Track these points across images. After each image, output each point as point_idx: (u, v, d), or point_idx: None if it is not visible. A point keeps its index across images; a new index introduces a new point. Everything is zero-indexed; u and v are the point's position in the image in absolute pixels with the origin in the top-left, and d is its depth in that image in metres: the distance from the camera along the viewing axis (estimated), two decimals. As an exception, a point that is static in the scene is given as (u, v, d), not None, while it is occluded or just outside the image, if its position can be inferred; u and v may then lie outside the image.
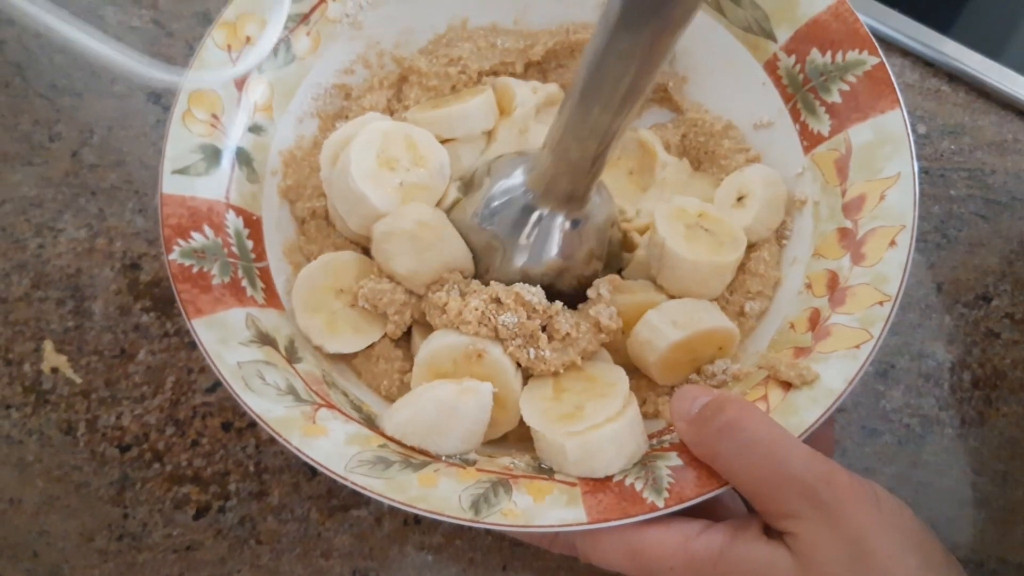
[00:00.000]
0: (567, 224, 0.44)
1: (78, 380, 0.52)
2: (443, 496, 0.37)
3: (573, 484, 0.38)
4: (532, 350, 0.42)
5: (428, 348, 0.42)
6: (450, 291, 0.43)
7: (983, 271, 0.56)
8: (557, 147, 0.40)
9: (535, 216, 0.44)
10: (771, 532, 0.35)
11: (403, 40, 0.53)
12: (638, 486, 0.37)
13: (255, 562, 0.49)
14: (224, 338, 0.40)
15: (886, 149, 0.43)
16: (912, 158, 0.42)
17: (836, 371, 0.38)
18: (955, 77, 0.60)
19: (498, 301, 0.43)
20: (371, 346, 0.46)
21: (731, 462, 0.35)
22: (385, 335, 0.46)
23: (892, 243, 0.41)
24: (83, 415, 0.52)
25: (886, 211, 0.42)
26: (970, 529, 0.51)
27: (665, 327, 0.42)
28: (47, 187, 0.57)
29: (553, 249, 0.44)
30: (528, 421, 0.40)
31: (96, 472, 0.51)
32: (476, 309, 0.42)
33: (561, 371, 0.42)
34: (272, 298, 0.45)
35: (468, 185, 0.47)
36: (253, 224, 0.46)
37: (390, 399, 0.45)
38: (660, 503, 0.36)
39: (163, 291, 0.54)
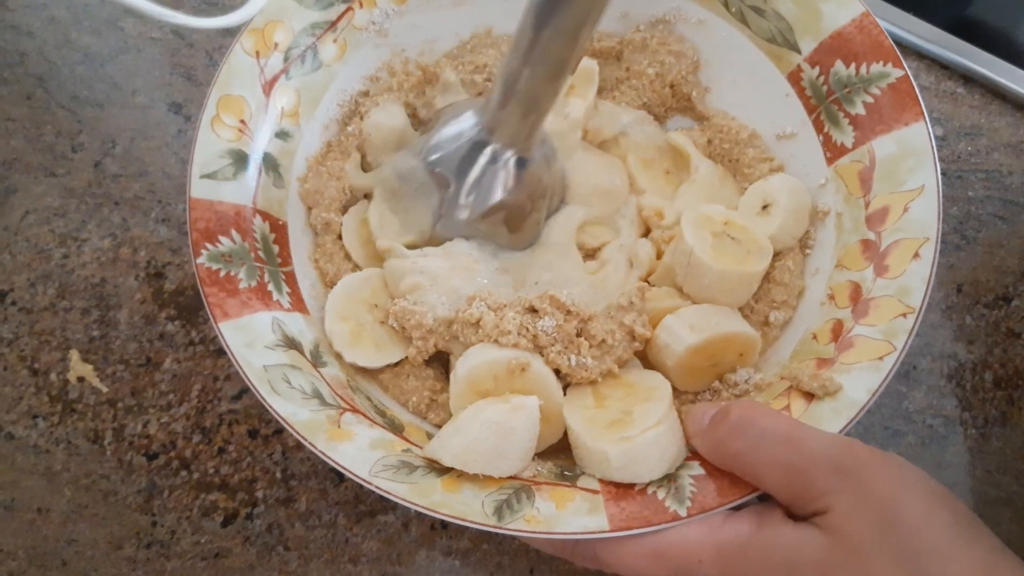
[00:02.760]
0: (515, 162, 0.45)
1: (104, 389, 0.53)
2: (466, 501, 0.37)
3: (595, 492, 0.38)
4: (573, 356, 0.42)
5: (467, 365, 0.42)
6: (479, 306, 0.43)
7: (1002, 272, 0.56)
8: (508, 78, 0.41)
9: (487, 152, 0.45)
10: (796, 516, 0.35)
11: (428, 48, 0.53)
12: (660, 495, 0.37)
13: (283, 568, 0.49)
14: (250, 342, 0.41)
15: (910, 162, 0.43)
16: (936, 171, 0.42)
17: (859, 383, 0.38)
18: (971, 79, 0.61)
19: (532, 310, 0.43)
20: (400, 363, 0.46)
21: (751, 457, 0.35)
22: (406, 358, 0.46)
23: (916, 255, 0.41)
24: (110, 424, 0.52)
25: (910, 223, 0.42)
26: (994, 528, 0.51)
27: (682, 331, 0.42)
28: (70, 197, 0.57)
29: (499, 188, 0.46)
30: (575, 430, 0.40)
31: (124, 480, 0.51)
32: (514, 319, 0.42)
33: (599, 379, 0.42)
34: (298, 302, 0.46)
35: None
36: (279, 229, 0.47)
37: (418, 414, 0.45)
38: (683, 512, 0.36)
39: (188, 300, 0.54)
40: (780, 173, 0.49)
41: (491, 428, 0.39)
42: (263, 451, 0.51)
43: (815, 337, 0.43)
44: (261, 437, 0.52)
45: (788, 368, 0.42)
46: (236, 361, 0.39)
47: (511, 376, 0.41)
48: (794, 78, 0.49)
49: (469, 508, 0.36)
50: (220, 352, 0.53)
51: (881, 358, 0.39)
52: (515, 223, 0.48)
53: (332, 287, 0.47)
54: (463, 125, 0.46)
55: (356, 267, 0.49)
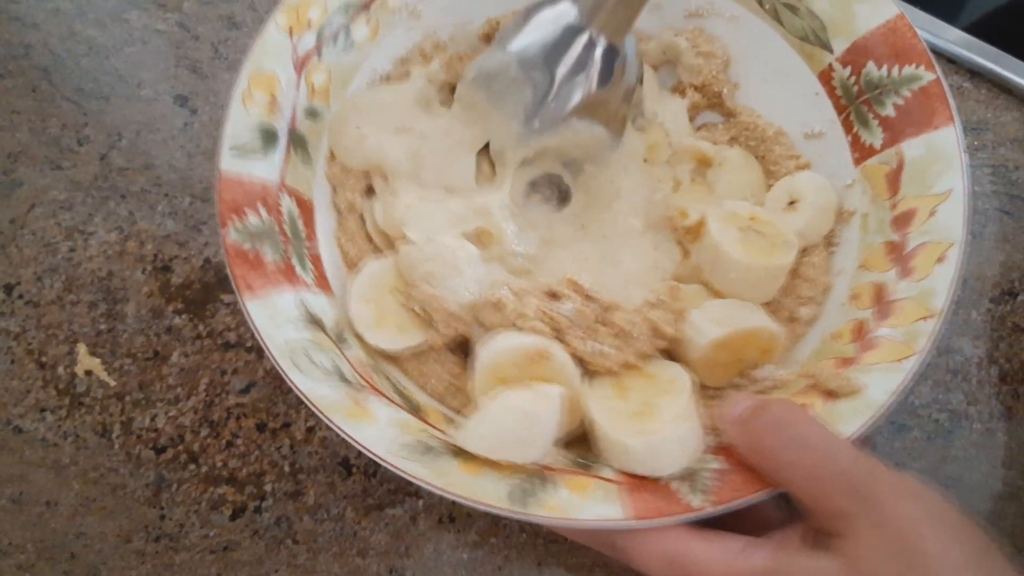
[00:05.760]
0: (609, 50, 0.44)
1: (112, 383, 0.53)
2: (483, 485, 0.37)
3: (613, 480, 0.38)
4: (592, 343, 0.42)
5: (490, 352, 0.42)
6: (501, 290, 0.43)
7: (1008, 267, 0.56)
8: None
9: (583, 38, 0.44)
10: (815, 540, 0.35)
11: (460, 31, 0.53)
12: (676, 486, 0.37)
13: (292, 562, 0.50)
14: (274, 316, 0.41)
15: (938, 165, 0.43)
16: (964, 176, 0.42)
17: (880, 383, 0.38)
18: (977, 74, 0.61)
19: (553, 295, 0.43)
20: (422, 346, 0.46)
21: (779, 457, 0.35)
22: (427, 343, 0.46)
23: (941, 259, 0.41)
24: (118, 417, 0.52)
25: (936, 227, 0.42)
26: (999, 523, 0.51)
27: (706, 325, 0.42)
28: (76, 191, 0.57)
29: (595, 78, 0.44)
30: (598, 421, 0.40)
31: (132, 474, 0.51)
32: (532, 303, 0.42)
33: (618, 369, 0.42)
34: (322, 281, 0.46)
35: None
36: (305, 207, 0.47)
37: (437, 397, 0.45)
38: (697, 503, 0.36)
39: (195, 293, 0.54)
40: (807, 170, 0.49)
41: (517, 416, 0.39)
42: (271, 445, 0.51)
43: (836, 336, 0.43)
44: (269, 431, 0.52)
45: (808, 366, 0.42)
46: (260, 336, 0.39)
47: (532, 363, 0.41)
48: (825, 77, 0.48)
49: (485, 491, 0.36)
50: (228, 346, 0.53)
51: (901, 360, 0.39)
52: (608, 118, 0.46)
53: (354, 267, 0.47)
54: (557, 10, 0.45)
55: (377, 248, 0.49)
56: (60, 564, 0.50)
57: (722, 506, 0.36)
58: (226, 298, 0.54)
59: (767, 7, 0.50)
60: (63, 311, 0.54)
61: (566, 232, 0.49)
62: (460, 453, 0.39)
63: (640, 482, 0.38)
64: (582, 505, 0.37)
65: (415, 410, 0.42)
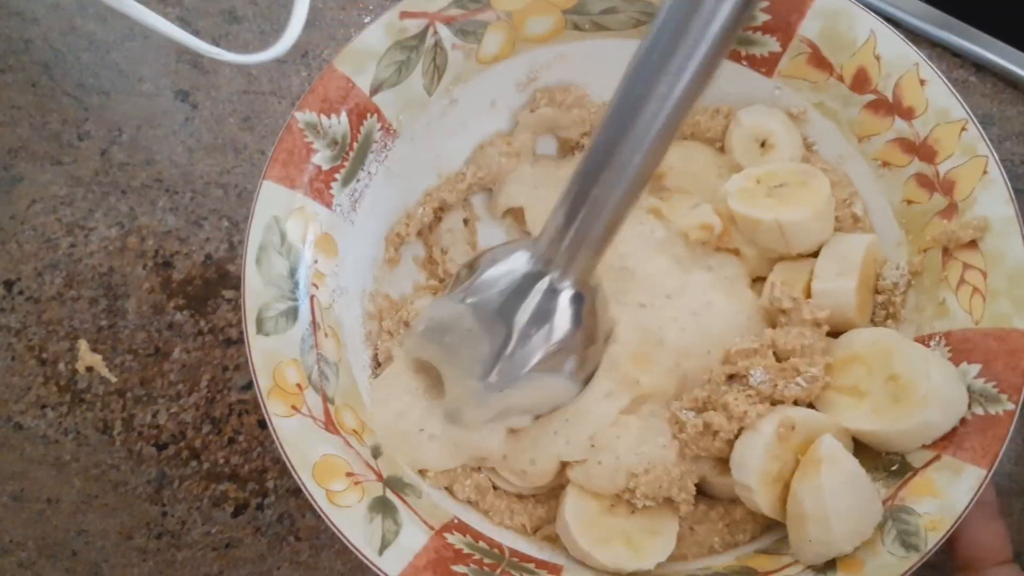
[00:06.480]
0: (574, 296, 0.41)
1: (113, 379, 0.52)
2: None
3: None
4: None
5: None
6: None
7: (1014, 261, 0.56)
8: (577, 194, 0.37)
9: (543, 284, 0.40)
10: None
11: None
12: None
13: (294, 558, 0.49)
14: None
15: (842, 22, 0.45)
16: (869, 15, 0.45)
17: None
18: (982, 68, 0.60)
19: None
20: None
21: None
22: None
23: (924, 81, 0.44)
24: (119, 414, 0.52)
25: (885, 57, 0.45)
26: (1006, 519, 0.50)
27: (834, 281, 0.43)
28: (77, 186, 0.57)
29: (561, 325, 0.41)
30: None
31: (133, 471, 0.51)
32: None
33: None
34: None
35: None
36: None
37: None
38: None
39: (196, 289, 0.54)
40: (747, 108, 0.50)
41: None
42: (273, 441, 0.51)
43: (907, 202, 0.45)
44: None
45: (920, 239, 0.44)
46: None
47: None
48: None
49: None
50: (229, 342, 0.53)
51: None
52: (573, 368, 0.43)
53: None
54: (513, 262, 0.42)
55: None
56: (61, 561, 0.49)
57: None
58: (227, 294, 0.54)
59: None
60: (64, 307, 0.54)
61: None
62: None
63: None
64: None
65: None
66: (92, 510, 0.50)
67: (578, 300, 0.41)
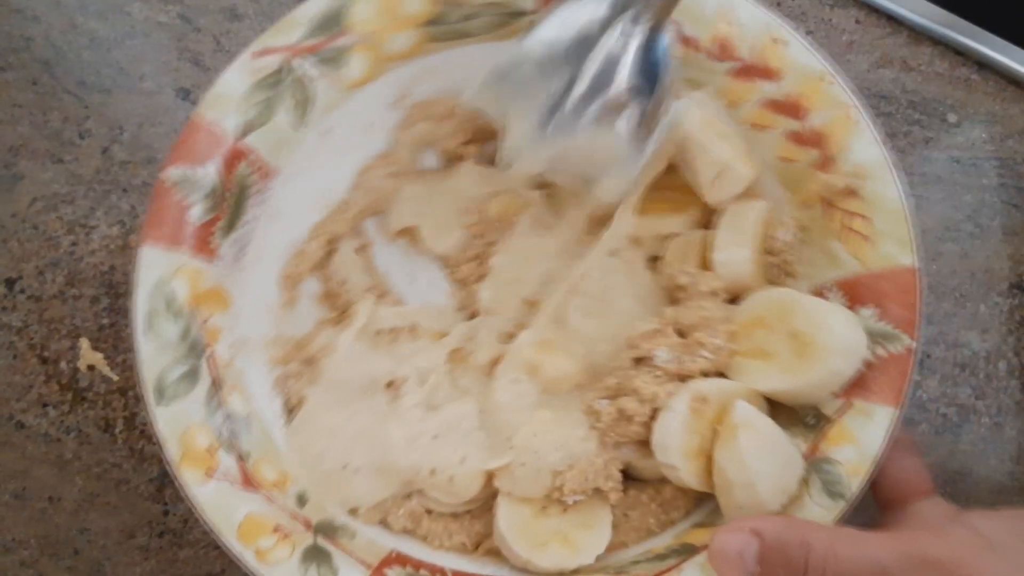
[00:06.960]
0: (645, 42, 0.39)
1: (115, 377, 0.52)
2: None
3: None
4: None
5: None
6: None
7: (1016, 260, 0.56)
8: None
9: (615, 27, 0.38)
10: None
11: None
12: None
13: (296, 557, 0.49)
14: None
15: None
16: None
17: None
18: (985, 65, 0.60)
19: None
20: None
21: None
22: None
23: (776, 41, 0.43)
24: (121, 412, 0.52)
25: (743, 25, 0.44)
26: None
27: (732, 251, 0.44)
28: (78, 184, 0.56)
29: (625, 72, 0.39)
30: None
31: (135, 469, 0.51)
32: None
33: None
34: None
35: None
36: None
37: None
38: None
39: (198, 287, 0.54)
40: None
41: None
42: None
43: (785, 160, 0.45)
44: (273, 426, 0.51)
45: (805, 191, 0.44)
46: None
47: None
48: None
49: None
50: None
51: None
52: (635, 121, 0.40)
53: None
54: (583, 6, 0.39)
55: None
56: (63, 560, 0.49)
57: None
58: (229, 292, 0.54)
59: None
60: (65, 305, 0.54)
61: None
62: None
63: None
64: None
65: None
66: (94, 508, 0.50)
67: (646, 50, 0.39)
